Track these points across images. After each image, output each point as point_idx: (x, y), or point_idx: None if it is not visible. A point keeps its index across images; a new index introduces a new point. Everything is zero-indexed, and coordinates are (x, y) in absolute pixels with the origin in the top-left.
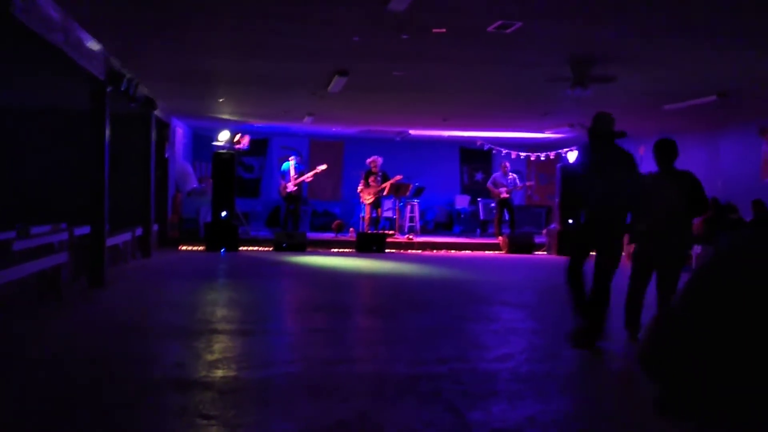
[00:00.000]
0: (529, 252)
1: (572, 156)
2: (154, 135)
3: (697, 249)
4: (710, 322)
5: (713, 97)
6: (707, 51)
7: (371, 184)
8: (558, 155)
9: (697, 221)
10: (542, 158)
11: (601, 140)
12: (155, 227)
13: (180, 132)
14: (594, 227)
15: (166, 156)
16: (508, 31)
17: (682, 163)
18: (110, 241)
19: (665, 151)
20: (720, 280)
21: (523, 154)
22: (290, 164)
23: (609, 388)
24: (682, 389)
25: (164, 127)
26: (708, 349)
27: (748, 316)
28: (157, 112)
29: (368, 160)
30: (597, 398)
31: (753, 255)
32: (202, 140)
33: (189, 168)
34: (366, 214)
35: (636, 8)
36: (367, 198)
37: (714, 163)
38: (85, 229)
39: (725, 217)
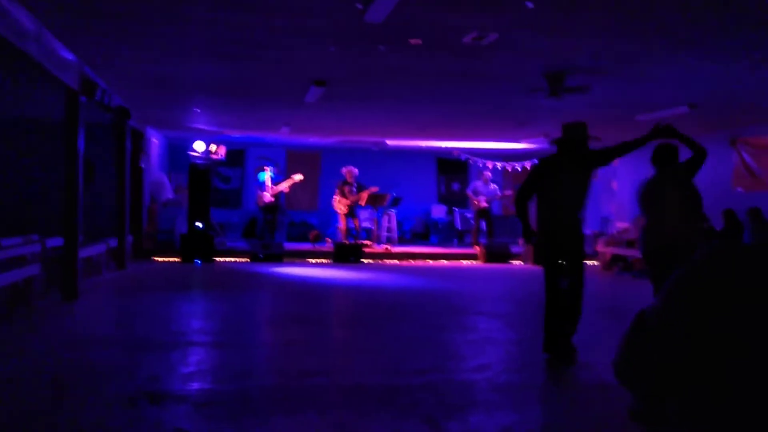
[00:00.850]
0: (506, 261)
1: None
2: (128, 145)
3: None
4: (685, 332)
5: (685, 108)
6: (679, 63)
7: (346, 194)
8: (534, 165)
9: None
10: (518, 168)
11: (570, 148)
12: (130, 238)
13: (155, 142)
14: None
15: (141, 166)
16: (484, 42)
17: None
18: (83, 253)
19: (663, 152)
20: (694, 291)
21: (499, 164)
22: (266, 174)
23: (585, 398)
24: (655, 398)
25: (139, 137)
26: (683, 358)
27: (722, 325)
28: (131, 122)
29: (343, 170)
30: (573, 408)
31: (726, 266)
32: (177, 151)
33: (164, 178)
34: (342, 224)
35: (609, 21)
36: (341, 208)
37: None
38: (57, 241)
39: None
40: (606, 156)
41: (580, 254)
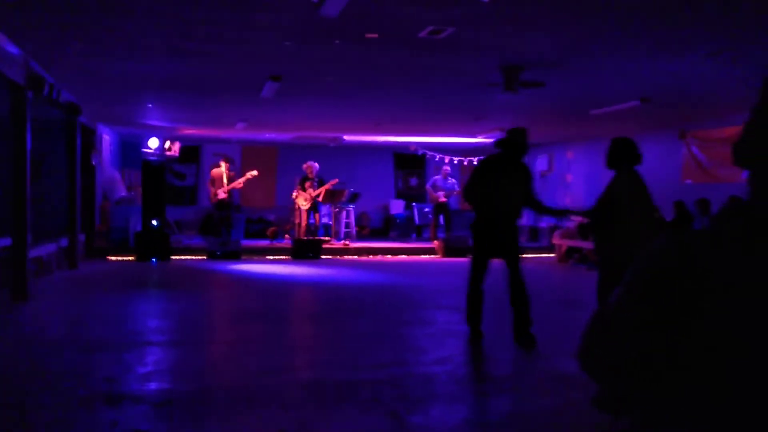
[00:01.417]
0: (464, 255)
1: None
2: (79, 142)
3: None
4: (644, 321)
5: (636, 102)
6: (631, 58)
7: (307, 189)
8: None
9: None
10: (475, 162)
11: (513, 152)
12: (82, 237)
13: (107, 139)
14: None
15: (93, 163)
16: (440, 36)
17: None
18: (33, 253)
19: (628, 149)
20: (653, 279)
21: (456, 159)
22: (221, 170)
23: (546, 387)
24: (619, 387)
25: (90, 134)
26: (644, 347)
27: (681, 314)
28: (82, 119)
29: (304, 166)
30: (534, 397)
31: (685, 254)
32: (130, 147)
33: (117, 176)
34: (302, 220)
35: (563, 16)
36: (303, 204)
37: (637, 166)
38: (5, 241)
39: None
40: (529, 183)
41: (515, 250)
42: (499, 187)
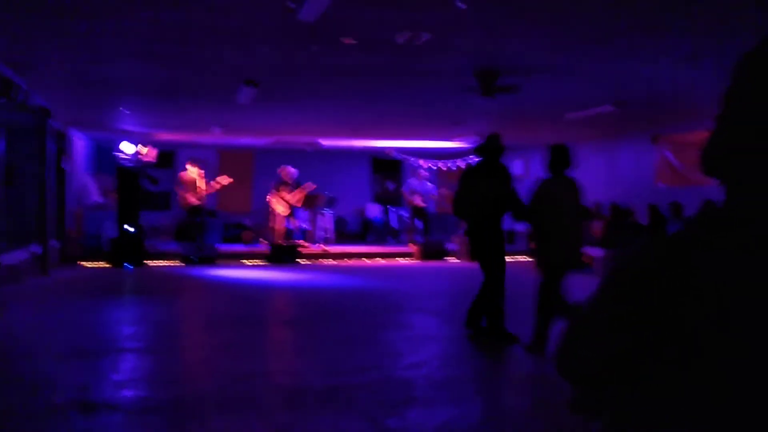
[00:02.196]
0: (441, 259)
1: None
2: (51, 147)
3: (598, 252)
4: (620, 322)
5: (610, 107)
6: (605, 63)
7: (284, 194)
8: (468, 164)
9: (597, 225)
10: (452, 167)
11: (492, 156)
12: (54, 244)
13: (80, 144)
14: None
15: (65, 169)
16: (417, 42)
17: (583, 169)
18: (4, 260)
19: (564, 156)
20: (632, 284)
21: (433, 164)
22: (193, 173)
23: (522, 390)
24: (593, 388)
25: (62, 139)
26: (619, 348)
27: (656, 315)
28: (54, 123)
29: (280, 170)
30: (510, 399)
31: (662, 257)
32: (104, 153)
33: (90, 181)
34: (279, 225)
35: (539, 21)
36: (280, 209)
37: (612, 170)
38: None
39: (623, 221)
40: (508, 185)
41: (500, 253)
42: (485, 192)
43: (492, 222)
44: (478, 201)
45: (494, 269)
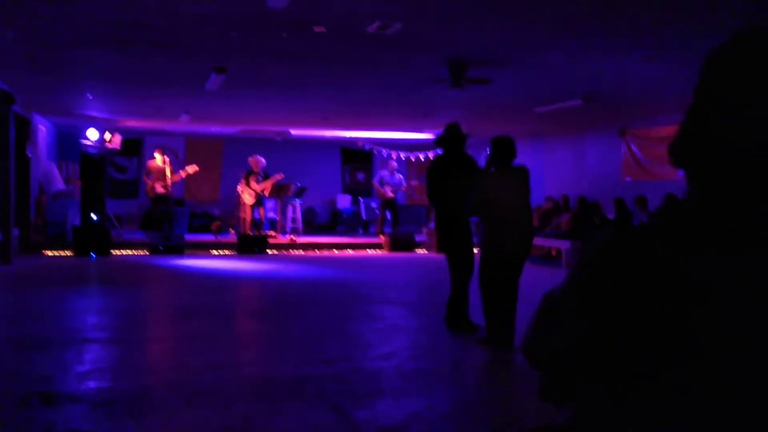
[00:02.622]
0: (411, 250)
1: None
2: (12, 133)
3: (565, 244)
4: (585, 312)
5: (579, 101)
6: (573, 57)
7: (252, 184)
8: (437, 155)
9: (564, 218)
10: (422, 158)
11: (454, 146)
12: (16, 232)
13: (43, 130)
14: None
15: (28, 155)
16: (388, 31)
17: (551, 163)
18: None
19: (508, 148)
20: (598, 273)
21: (403, 155)
22: (158, 161)
23: (492, 380)
24: (560, 376)
25: (25, 124)
26: (584, 337)
27: (620, 305)
28: (16, 108)
29: (249, 159)
30: (480, 390)
31: (625, 248)
32: (68, 139)
33: (54, 168)
34: (247, 215)
35: (508, 14)
36: (248, 198)
37: (580, 163)
38: None
39: (590, 215)
40: (470, 173)
41: (470, 246)
42: (454, 184)
43: (459, 215)
44: (445, 194)
45: (460, 262)
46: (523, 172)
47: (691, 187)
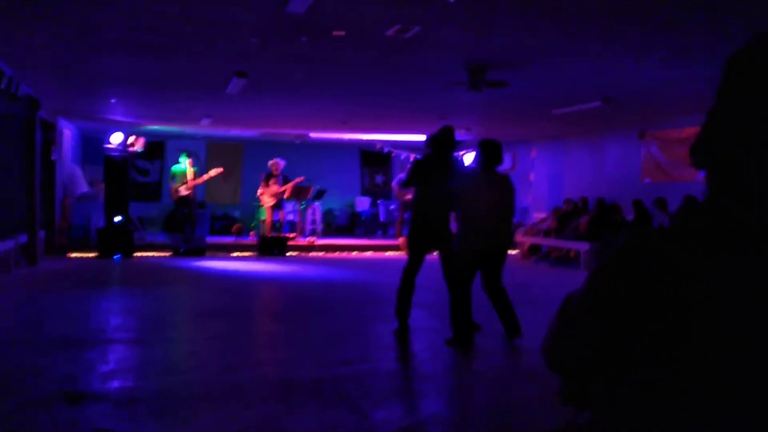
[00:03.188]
0: (429, 252)
1: (468, 158)
2: (39, 137)
3: (584, 246)
4: (605, 320)
5: (598, 103)
6: (592, 58)
7: (272, 186)
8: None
9: (583, 220)
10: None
11: (445, 149)
12: (42, 234)
13: (68, 134)
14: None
15: (53, 159)
16: (407, 35)
17: (570, 165)
18: None
19: (493, 152)
20: (614, 279)
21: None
22: (185, 167)
23: (511, 383)
24: (582, 380)
25: (50, 129)
26: (604, 345)
27: (636, 312)
28: (42, 113)
29: (270, 163)
30: (497, 394)
31: (646, 251)
32: (92, 143)
33: (78, 172)
34: (267, 217)
35: (527, 16)
36: (268, 201)
37: (599, 165)
38: None
39: (609, 217)
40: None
41: (448, 245)
42: (433, 186)
43: (445, 215)
44: (432, 195)
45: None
46: (505, 179)
47: (711, 189)
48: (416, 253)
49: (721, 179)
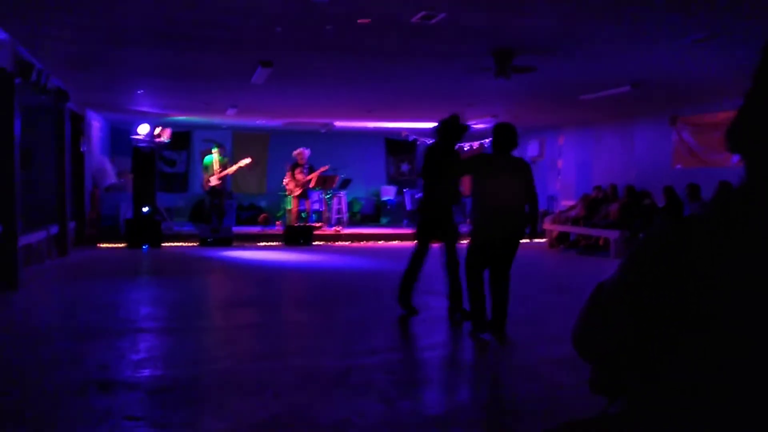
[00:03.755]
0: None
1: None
2: (68, 129)
3: (614, 234)
4: (637, 310)
5: (627, 88)
6: (622, 43)
7: (297, 176)
8: (482, 145)
9: (613, 208)
10: (465, 148)
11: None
12: (72, 225)
13: (96, 125)
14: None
15: (82, 150)
16: (432, 21)
17: (600, 152)
18: (23, 240)
19: (508, 135)
20: (646, 270)
21: None
22: (214, 158)
23: (536, 372)
24: (614, 369)
25: (79, 120)
26: (638, 331)
27: (676, 299)
28: (71, 105)
29: (295, 152)
30: (525, 382)
31: (682, 239)
32: (120, 134)
33: (107, 163)
34: (293, 206)
35: (555, 1)
36: (294, 190)
37: (629, 151)
38: None
39: (640, 203)
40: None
41: (452, 233)
42: (440, 175)
43: (449, 204)
44: (440, 184)
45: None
46: (521, 163)
47: (748, 174)
48: (423, 242)
49: (758, 163)
